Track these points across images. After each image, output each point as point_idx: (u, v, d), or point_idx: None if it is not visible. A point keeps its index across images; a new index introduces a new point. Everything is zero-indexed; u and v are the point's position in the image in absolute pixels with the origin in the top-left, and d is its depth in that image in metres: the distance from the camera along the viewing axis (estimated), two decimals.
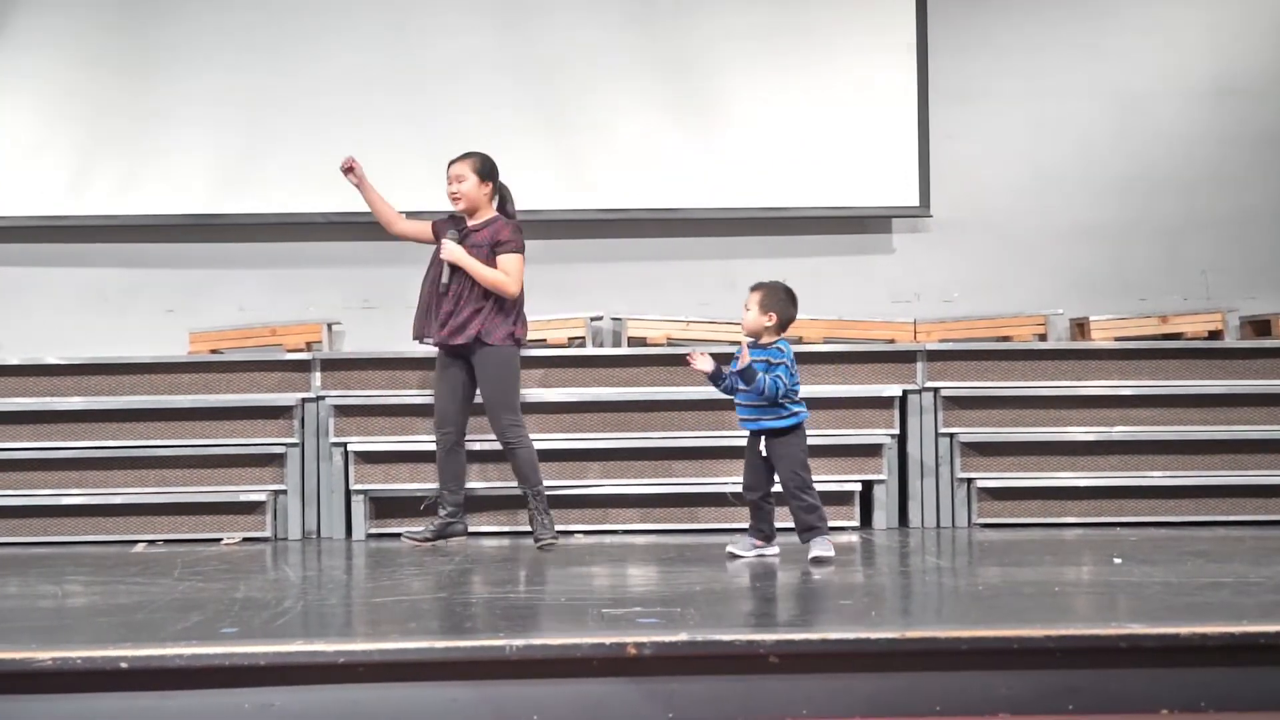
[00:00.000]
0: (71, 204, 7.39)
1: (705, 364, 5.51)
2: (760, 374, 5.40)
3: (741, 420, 5.62)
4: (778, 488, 5.58)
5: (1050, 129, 7.71)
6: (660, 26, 7.47)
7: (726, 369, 5.49)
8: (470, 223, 6.06)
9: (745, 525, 5.80)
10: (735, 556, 5.60)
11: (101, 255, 7.51)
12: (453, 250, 5.89)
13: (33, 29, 7.36)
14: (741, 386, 5.44)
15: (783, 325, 5.58)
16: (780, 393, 5.43)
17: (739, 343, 6.43)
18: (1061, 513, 6.68)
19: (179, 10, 7.36)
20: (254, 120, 7.26)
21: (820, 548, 5.40)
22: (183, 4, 7.36)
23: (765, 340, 5.55)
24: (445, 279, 5.92)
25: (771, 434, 5.52)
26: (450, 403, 6.12)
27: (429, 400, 6.40)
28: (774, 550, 5.62)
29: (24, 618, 4.38)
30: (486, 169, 6.11)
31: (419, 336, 6.14)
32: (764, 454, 5.55)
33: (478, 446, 6.43)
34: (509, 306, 5.99)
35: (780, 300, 5.55)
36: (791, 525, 5.56)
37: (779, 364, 5.45)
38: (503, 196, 6.20)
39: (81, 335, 7.24)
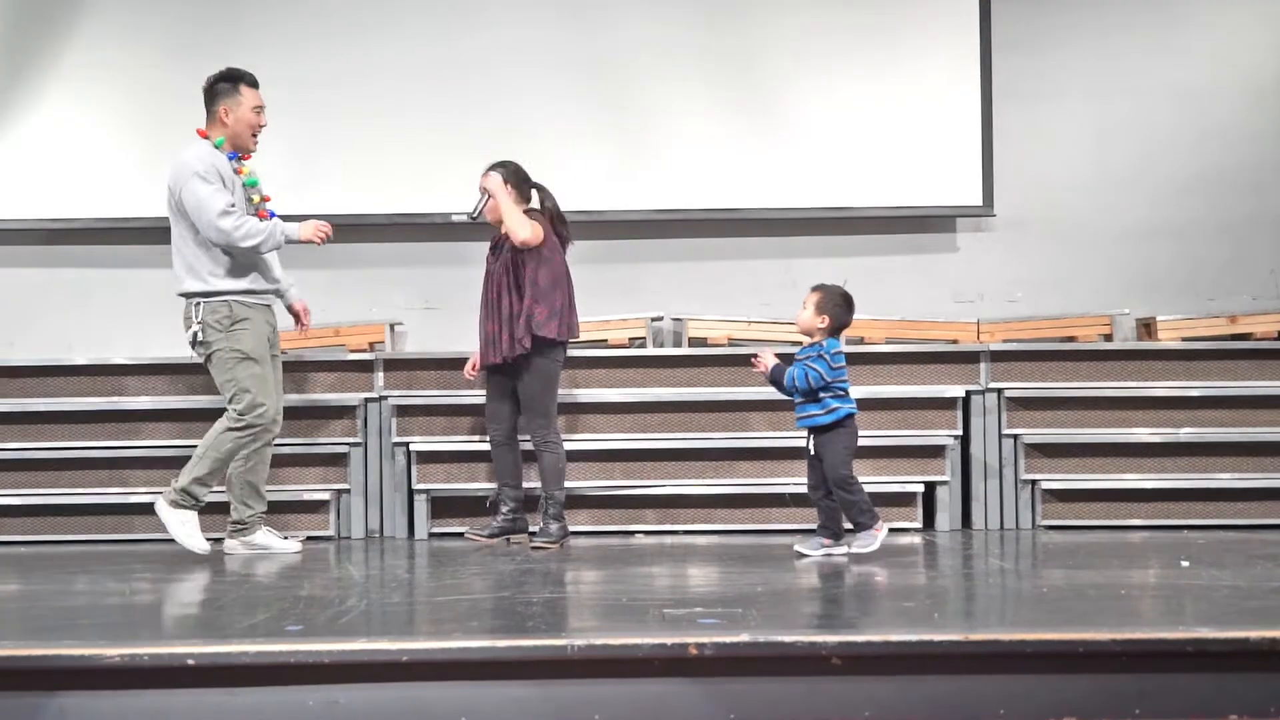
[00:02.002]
0: (139, 206, 7.48)
1: (769, 359, 5.60)
2: (791, 369, 5.53)
3: (797, 419, 5.66)
4: None
5: (1114, 128, 7.64)
6: (722, 28, 7.47)
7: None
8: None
9: (809, 525, 5.80)
10: (802, 555, 5.58)
11: (167, 257, 7.59)
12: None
13: (99, 35, 7.46)
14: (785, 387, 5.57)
15: (835, 329, 5.63)
16: (813, 383, 5.48)
17: (799, 343, 6.45)
18: (1127, 515, 6.61)
19: (239, 23, 7.44)
20: (317, 124, 7.31)
21: (858, 544, 5.46)
22: (243, 17, 7.45)
23: (815, 339, 5.60)
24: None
25: (818, 430, 5.56)
26: (499, 402, 6.17)
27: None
28: (842, 549, 5.58)
29: (92, 615, 4.42)
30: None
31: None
32: (812, 451, 5.59)
33: (525, 446, 6.47)
34: (542, 312, 5.99)
35: (836, 305, 5.60)
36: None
37: (814, 356, 5.53)
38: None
39: (148, 335, 7.33)
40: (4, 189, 7.46)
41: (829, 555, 5.54)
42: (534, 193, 6.23)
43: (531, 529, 6.20)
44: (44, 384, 6.71)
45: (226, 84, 5.96)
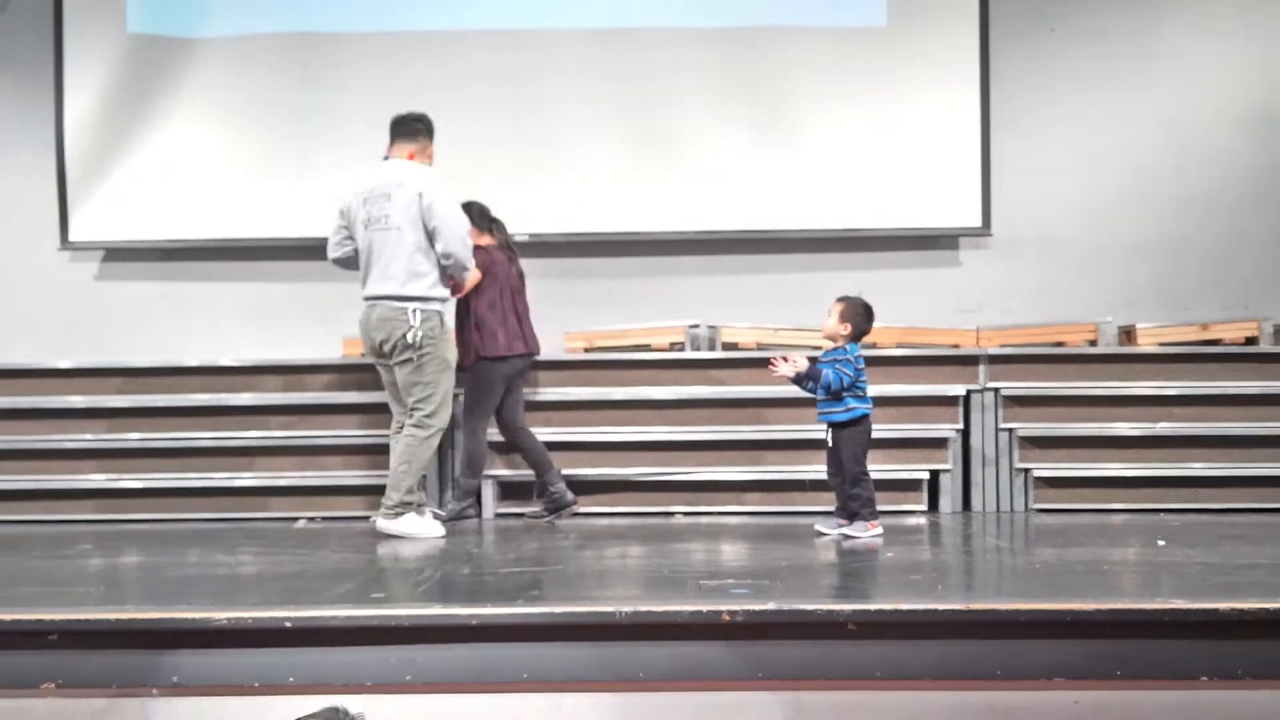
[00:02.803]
0: (242, 228, 7.56)
1: (788, 369, 5.60)
2: (825, 370, 5.52)
3: (818, 414, 5.66)
4: None
5: (1102, 156, 7.60)
6: (749, 72, 7.48)
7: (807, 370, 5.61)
8: None
9: (828, 508, 5.81)
10: (821, 534, 5.59)
11: (268, 271, 7.67)
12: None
13: (210, 83, 7.53)
14: (812, 384, 5.58)
15: (856, 336, 5.63)
16: (843, 385, 5.49)
17: (819, 348, 6.44)
18: (1110, 500, 6.57)
19: (330, 74, 7.50)
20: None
21: (851, 529, 5.50)
22: (332, 70, 7.51)
23: (838, 344, 5.60)
24: None
25: (837, 426, 5.57)
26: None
27: (559, 398, 6.51)
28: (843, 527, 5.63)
29: (203, 583, 4.47)
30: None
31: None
32: (830, 444, 5.60)
33: (580, 438, 6.51)
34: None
35: (858, 314, 5.61)
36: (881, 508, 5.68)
37: (843, 360, 5.53)
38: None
39: (251, 340, 7.40)
40: (125, 214, 7.54)
41: (845, 536, 5.54)
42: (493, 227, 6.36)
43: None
44: (161, 382, 6.78)
45: (427, 126, 5.90)
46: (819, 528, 5.68)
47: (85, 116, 7.53)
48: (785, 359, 5.65)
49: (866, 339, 6.15)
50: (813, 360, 5.70)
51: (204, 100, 7.53)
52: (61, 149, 7.52)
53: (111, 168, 7.54)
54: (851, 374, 5.52)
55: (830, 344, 5.68)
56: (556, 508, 6.31)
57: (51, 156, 7.54)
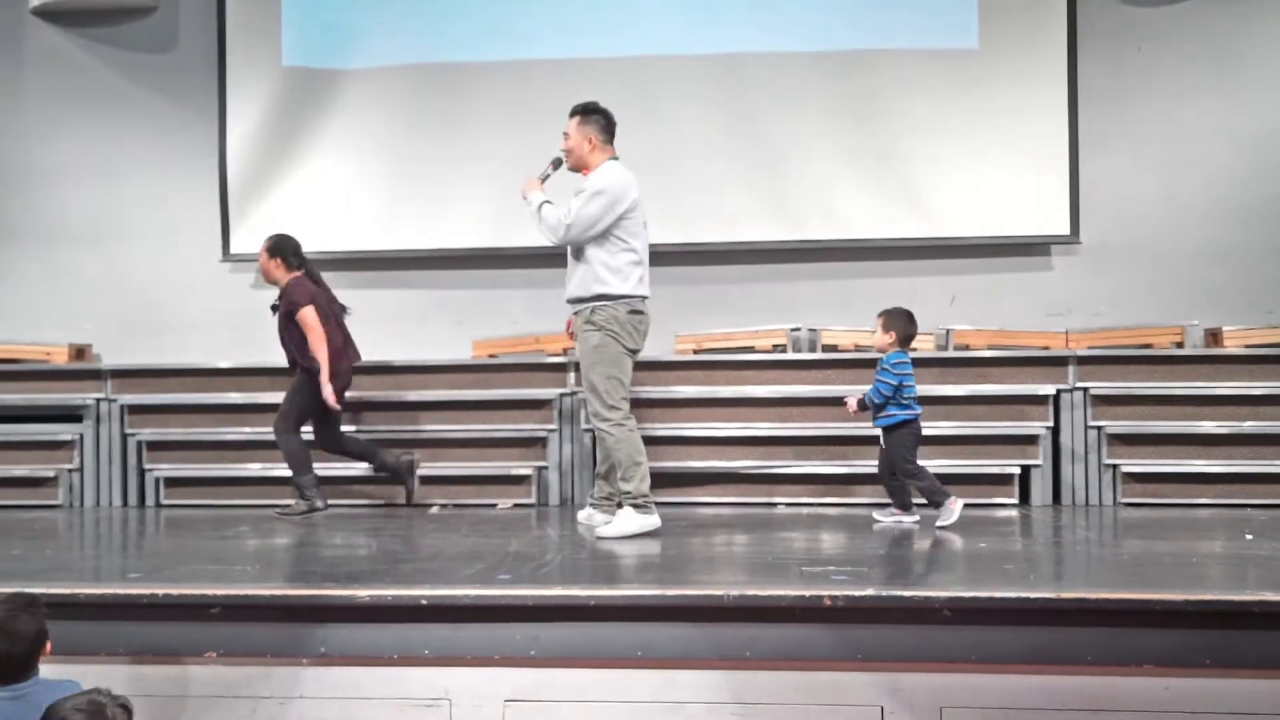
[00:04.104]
0: (382, 241, 7.68)
1: (852, 404, 5.71)
2: (867, 391, 5.62)
3: (872, 420, 5.71)
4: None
5: (1184, 166, 7.36)
6: (848, 89, 7.38)
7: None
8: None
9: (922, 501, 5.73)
10: (877, 521, 5.66)
11: (405, 280, 7.77)
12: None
13: (354, 110, 7.67)
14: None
15: (903, 341, 5.63)
16: (885, 393, 5.52)
17: (914, 348, 6.35)
18: (1196, 495, 6.34)
19: (462, 101, 7.58)
20: (519, 178, 7.39)
21: (941, 519, 5.44)
22: (464, 97, 7.57)
23: (887, 353, 5.63)
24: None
25: (886, 430, 5.61)
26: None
27: (670, 396, 6.51)
28: (912, 519, 5.64)
29: (346, 564, 4.54)
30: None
31: None
32: (882, 444, 5.66)
33: (689, 433, 6.47)
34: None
35: (900, 322, 5.64)
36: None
37: (881, 369, 5.57)
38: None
39: (390, 343, 7.51)
40: (280, 230, 7.69)
41: (899, 523, 5.58)
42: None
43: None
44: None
45: None
46: (875, 515, 5.77)
47: (244, 143, 7.72)
48: (846, 400, 5.77)
49: (959, 341, 6.06)
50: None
51: (349, 125, 7.67)
52: (224, 172, 7.72)
53: (267, 188, 7.72)
54: (893, 381, 5.51)
55: (882, 355, 5.67)
56: (408, 470, 6.34)
57: (215, 179, 7.75)
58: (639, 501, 5.18)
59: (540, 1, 7.57)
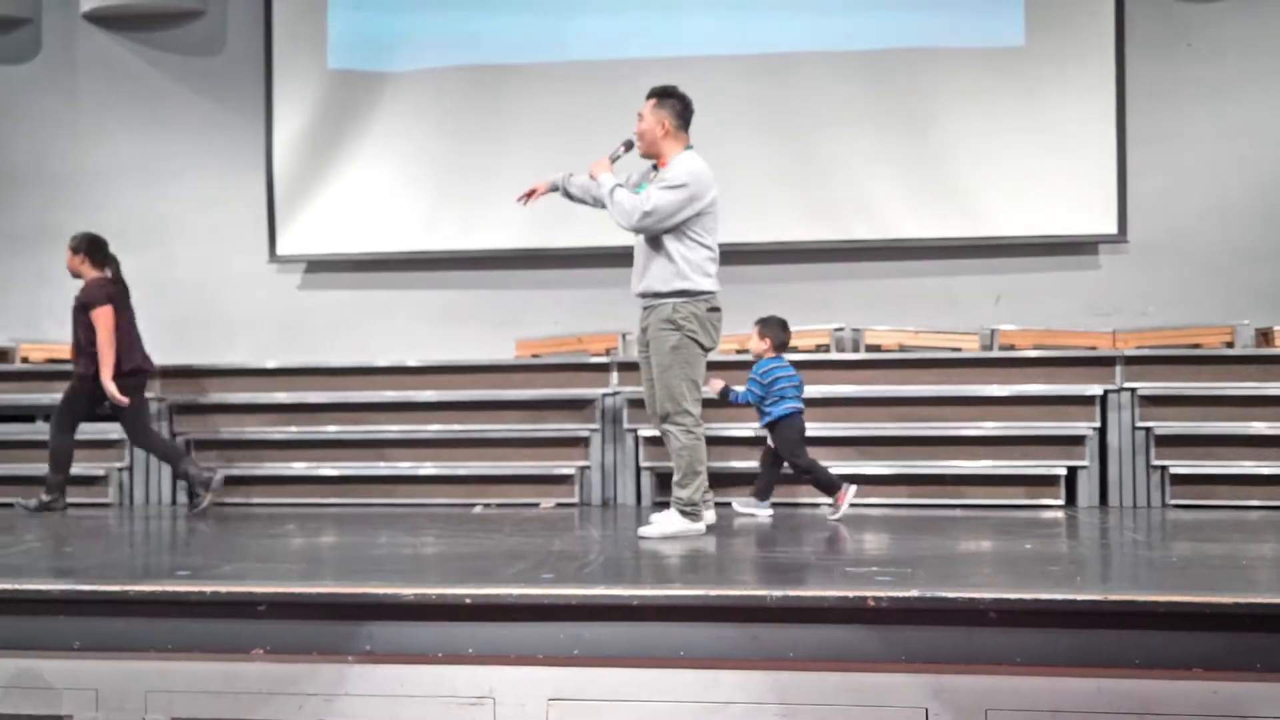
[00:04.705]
0: (425, 242, 7.73)
1: (711, 391, 5.74)
2: (736, 390, 5.91)
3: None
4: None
5: (1233, 165, 7.28)
6: (890, 90, 7.36)
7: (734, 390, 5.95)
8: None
9: (970, 501, 5.75)
10: (739, 513, 5.98)
11: (449, 280, 7.82)
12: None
13: (398, 112, 7.73)
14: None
15: (779, 347, 5.95)
16: (751, 400, 5.86)
17: (958, 349, 6.35)
18: (1247, 497, 6.26)
19: (506, 102, 7.62)
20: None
21: (836, 513, 5.74)
22: (508, 99, 7.62)
23: (763, 358, 5.94)
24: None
25: (769, 427, 5.89)
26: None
27: (711, 395, 6.49)
28: (766, 511, 5.98)
29: (391, 562, 4.55)
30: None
31: None
32: (768, 438, 5.96)
33: (731, 433, 6.46)
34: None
35: (773, 329, 5.95)
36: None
37: (751, 379, 5.88)
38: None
39: (433, 343, 7.56)
40: (326, 231, 7.79)
41: (753, 515, 5.91)
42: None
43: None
44: (354, 381, 6.97)
45: None
46: (736, 505, 6.08)
47: (291, 144, 7.80)
48: (720, 381, 5.93)
49: (1003, 341, 6.03)
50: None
51: (393, 127, 7.73)
52: (271, 174, 7.80)
53: (313, 189, 7.79)
54: (759, 391, 5.83)
55: (758, 359, 5.97)
56: (204, 485, 6.36)
57: (262, 181, 7.83)
58: (687, 509, 5.15)
59: (583, 3, 7.60)
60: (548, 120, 7.57)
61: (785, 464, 5.94)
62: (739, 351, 6.61)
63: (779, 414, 5.82)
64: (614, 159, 5.33)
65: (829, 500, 5.82)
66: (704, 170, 5.15)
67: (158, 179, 8.03)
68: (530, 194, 5.43)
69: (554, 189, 5.43)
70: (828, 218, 7.38)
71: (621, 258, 7.41)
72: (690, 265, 5.09)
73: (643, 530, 5.19)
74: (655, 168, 5.27)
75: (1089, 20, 7.25)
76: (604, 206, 5.23)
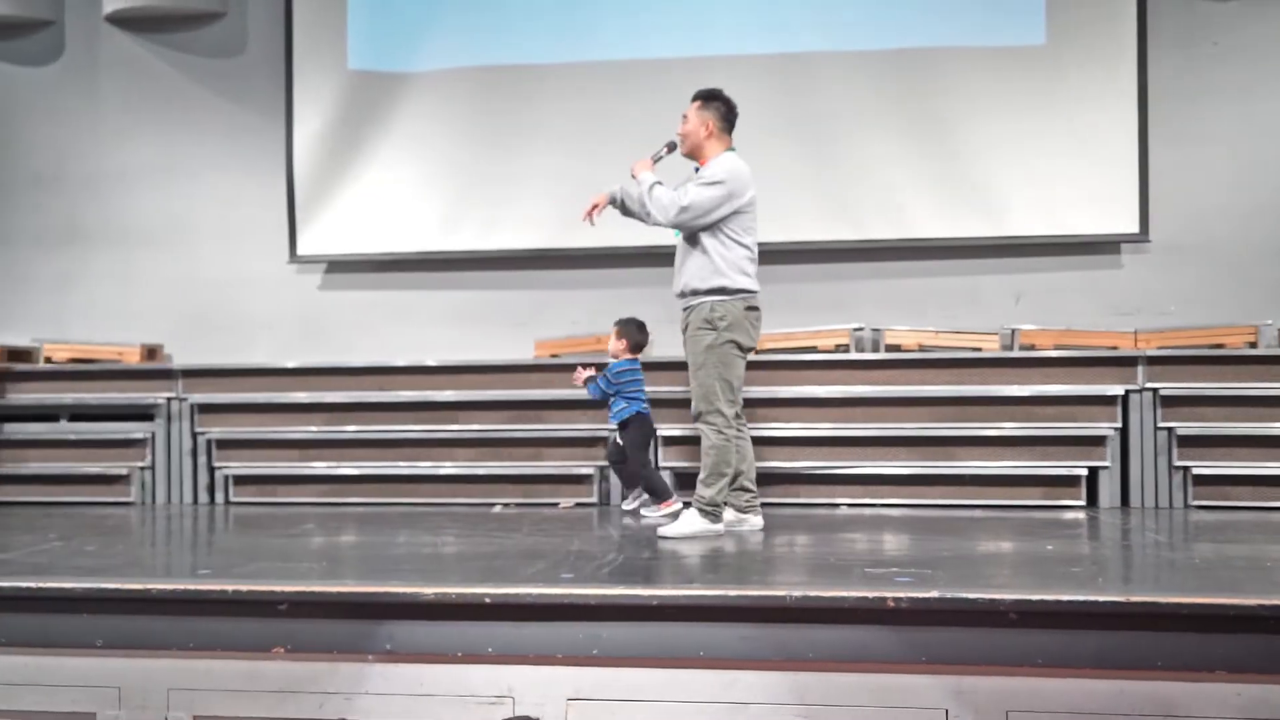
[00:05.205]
0: (445, 242, 7.74)
1: (575, 379, 6.12)
2: (591, 384, 6.07)
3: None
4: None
5: (1260, 163, 7.20)
6: (910, 89, 7.31)
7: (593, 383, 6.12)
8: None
9: (989, 502, 5.66)
10: (624, 510, 6.19)
11: (467, 281, 7.83)
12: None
13: (417, 113, 7.74)
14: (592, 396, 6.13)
15: (634, 348, 6.10)
16: (597, 395, 6.04)
17: (979, 349, 6.33)
18: (1271, 498, 6.22)
19: (525, 102, 7.61)
20: (582, 178, 7.39)
21: (651, 511, 5.90)
22: (527, 99, 7.61)
23: (619, 358, 6.09)
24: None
25: (619, 425, 6.06)
26: None
27: None
28: (641, 500, 6.15)
29: (411, 561, 4.57)
30: None
31: None
32: (617, 438, 6.14)
33: (751, 433, 6.45)
34: None
35: (629, 330, 6.10)
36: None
37: (601, 376, 6.05)
38: None
39: (453, 343, 7.58)
40: (346, 231, 7.81)
41: (642, 514, 5.99)
42: None
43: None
44: (374, 380, 7.00)
45: None
46: (623, 505, 6.27)
47: (311, 145, 7.82)
48: (585, 371, 6.13)
49: (1024, 341, 5.99)
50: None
51: (413, 127, 7.74)
52: (291, 175, 7.83)
53: (333, 190, 7.81)
54: (606, 387, 6.01)
55: (614, 359, 6.11)
56: None
57: (283, 181, 7.86)
58: (708, 509, 5.15)
59: (605, 3, 7.60)
60: (567, 120, 7.57)
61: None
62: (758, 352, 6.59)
63: (630, 414, 6.00)
64: (656, 159, 5.39)
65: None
66: (743, 170, 5.20)
67: (179, 180, 8.07)
68: (593, 209, 5.46)
69: (611, 202, 5.47)
70: (848, 217, 7.36)
71: (640, 258, 7.47)
72: (727, 263, 5.13)
73: (662, 529, 5.19)
74: (697, 170, 5.31)
75: (1111, 19, 7.21)
76: (647, 216, 5.28)
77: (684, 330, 5.32)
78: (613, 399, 6.03)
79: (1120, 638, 3.39)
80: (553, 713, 3.57)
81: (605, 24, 7.58)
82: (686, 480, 6.58)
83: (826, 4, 7.42)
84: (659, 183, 5.23)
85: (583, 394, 6.69)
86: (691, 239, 5.19)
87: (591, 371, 6.11)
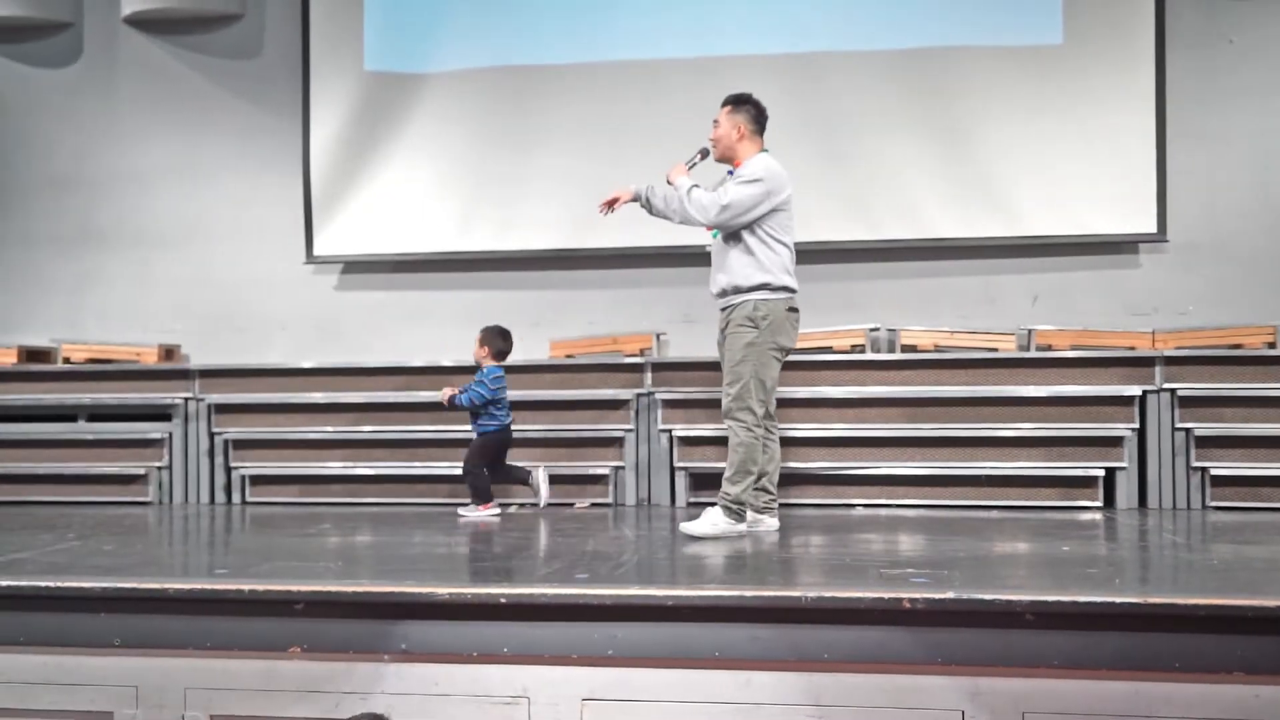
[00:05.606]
0: (460, 242, 7.75)
1: (443, 396, 6.24)
2: (462, 395, 6.19)
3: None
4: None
5: (1276, 163, 7.16)
6: (926, 90, 7.29)
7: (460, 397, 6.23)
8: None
9: (1004, 503, 5.62)
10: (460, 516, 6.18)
11: (483, 281, 7.84)
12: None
13: (433, 114, 7.75)
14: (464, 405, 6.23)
15: (497, 355, 6.26)
16: (477, 401, 6.13)
17: (994, 349, 6.32)
18: None
19: (539, 103, 7.62)
20: (597, 178, 7.37)
21: (466, 511, 6.17)
22: (541, 100, 7.62)
23: (483, 366, 6.24)
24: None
25: (480, 434, 6.22)
26: None
27: None
28: (492, 512, 6.18)
29: (425, 562, 4.58)
30: None
31: None
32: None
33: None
34: None
35: (492, 338, 6.27)
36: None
37: (478, 381, 6.18)
38: None
39: (468, 343, 7.56)
40: (362, 232, 7.83)
41: (478, 519, 6.08)
42: None
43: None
44: (390, 381, 7.00)
45: None
46: (460, 511, 6.25)
47: (327, 146, 7.84)
48: (449, 389, 6.26)
49: (1041, 341, 5.96)
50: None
51: (429, 128, 7.75)
52: (308, 176, 7.85)
53: (350, 191, 7.83)
54: (485, 393, 6.12)
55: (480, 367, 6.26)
56: None
57: (299, 182, 7.88)
58: (733, 507, 5.13)
59: (618, 4, 7.60)
60: (582, 121, 7.57)
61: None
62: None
63: (495, 427, 6.21)
64: (690, 166, 5.41)
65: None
66: (779, 169, 5.22)
67: (196, 181, 8.11)
68: (611, 203, 5.44)
69: (635, 199, 5.45)
70: (863, 217, 7.34)
71: (655, 258, 7.47)
72: (771, 261, 5.16)
73: (685, 526, 5.17)
74: (730, 173, 5.31)
75: (1128, 18, 7.17)
76: (684, 219, 5.27)
77: (722, 329, 5.31)
78: (485, 409, 6.18)
79: (1137, 639, 3.38)
80: (568, 713, 3.57)
81: (620, 24, 7.58)
82: (702, 481, 6.59)
83: (839, 4, 7.40)
84: (696, 185, 5.24)
85: (599, 394, 6.72)
86: (731, 238, 5.19)
87: (451, 389, 6.24)
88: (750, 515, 5.36)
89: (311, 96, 7.86)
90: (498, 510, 6.20)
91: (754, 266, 5.14)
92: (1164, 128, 7.11)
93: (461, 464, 6.30)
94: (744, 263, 5.16)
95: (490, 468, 6.26)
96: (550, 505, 6.40)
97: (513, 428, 6.53)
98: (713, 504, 5.26)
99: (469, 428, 6.83)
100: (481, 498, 6.20)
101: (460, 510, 6.24)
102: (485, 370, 6.22)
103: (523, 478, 6.30)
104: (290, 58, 7.97)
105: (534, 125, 7.64)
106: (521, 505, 6.64)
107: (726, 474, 5.16)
